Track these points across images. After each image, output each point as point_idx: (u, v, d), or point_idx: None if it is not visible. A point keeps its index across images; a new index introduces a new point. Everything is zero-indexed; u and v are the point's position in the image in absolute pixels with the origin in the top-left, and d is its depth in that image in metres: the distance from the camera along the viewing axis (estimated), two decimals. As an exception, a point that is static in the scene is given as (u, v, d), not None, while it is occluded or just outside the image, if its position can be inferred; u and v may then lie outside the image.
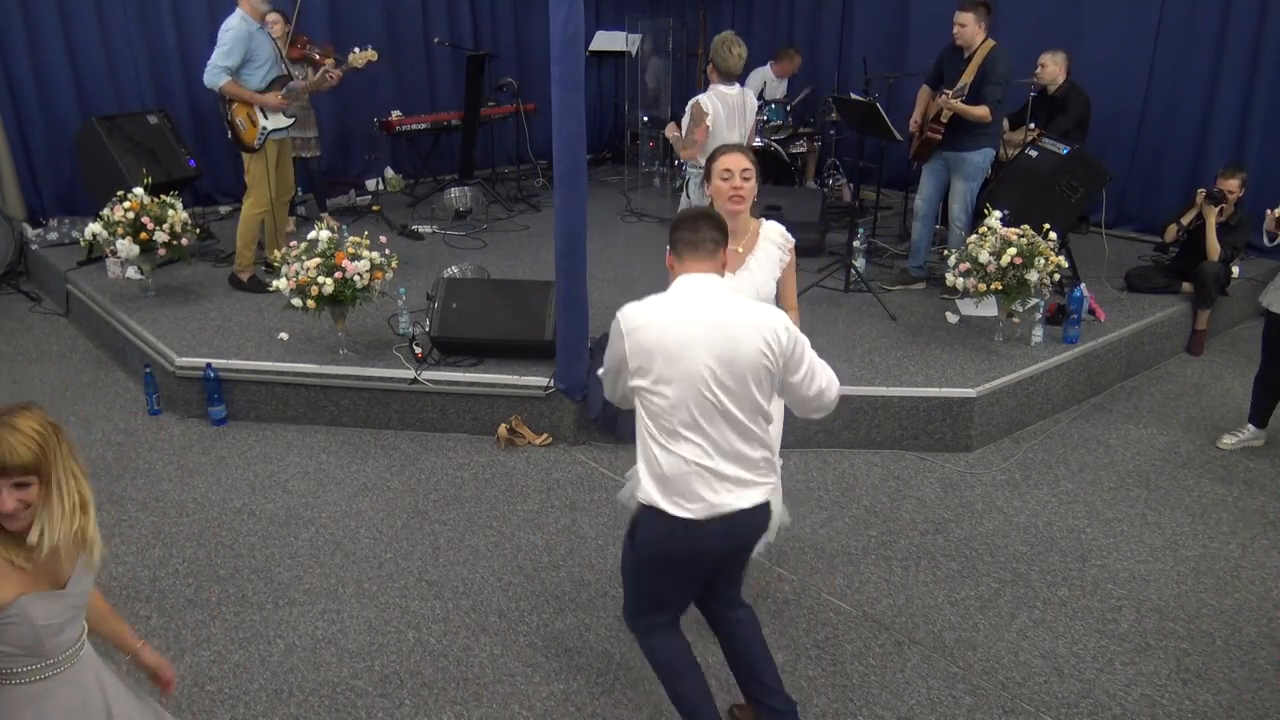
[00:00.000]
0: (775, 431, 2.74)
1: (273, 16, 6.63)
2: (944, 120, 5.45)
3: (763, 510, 2.43)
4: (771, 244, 3.06)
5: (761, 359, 2.30)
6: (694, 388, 2.29)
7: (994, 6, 5.50)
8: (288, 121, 5.59)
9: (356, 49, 5.83)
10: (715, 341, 2.29)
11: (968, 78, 5.34)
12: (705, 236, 2.42)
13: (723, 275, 2.47)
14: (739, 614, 2.67)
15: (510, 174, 8.60)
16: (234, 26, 5.28)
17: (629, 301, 2.39)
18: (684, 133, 4.90)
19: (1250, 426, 4.58)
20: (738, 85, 4.91)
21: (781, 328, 2.33)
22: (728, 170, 2.96)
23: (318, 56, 6.41)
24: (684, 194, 5.12)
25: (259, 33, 5.40)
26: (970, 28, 5.36)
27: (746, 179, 2.96)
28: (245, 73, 5.39)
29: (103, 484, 4.12)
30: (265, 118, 5.46)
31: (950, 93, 5.35)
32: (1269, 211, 4.56)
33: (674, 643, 2.61)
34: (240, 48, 5.29)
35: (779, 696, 2.64)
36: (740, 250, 3.01)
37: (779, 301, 3.06)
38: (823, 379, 2.46)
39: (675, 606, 2.61)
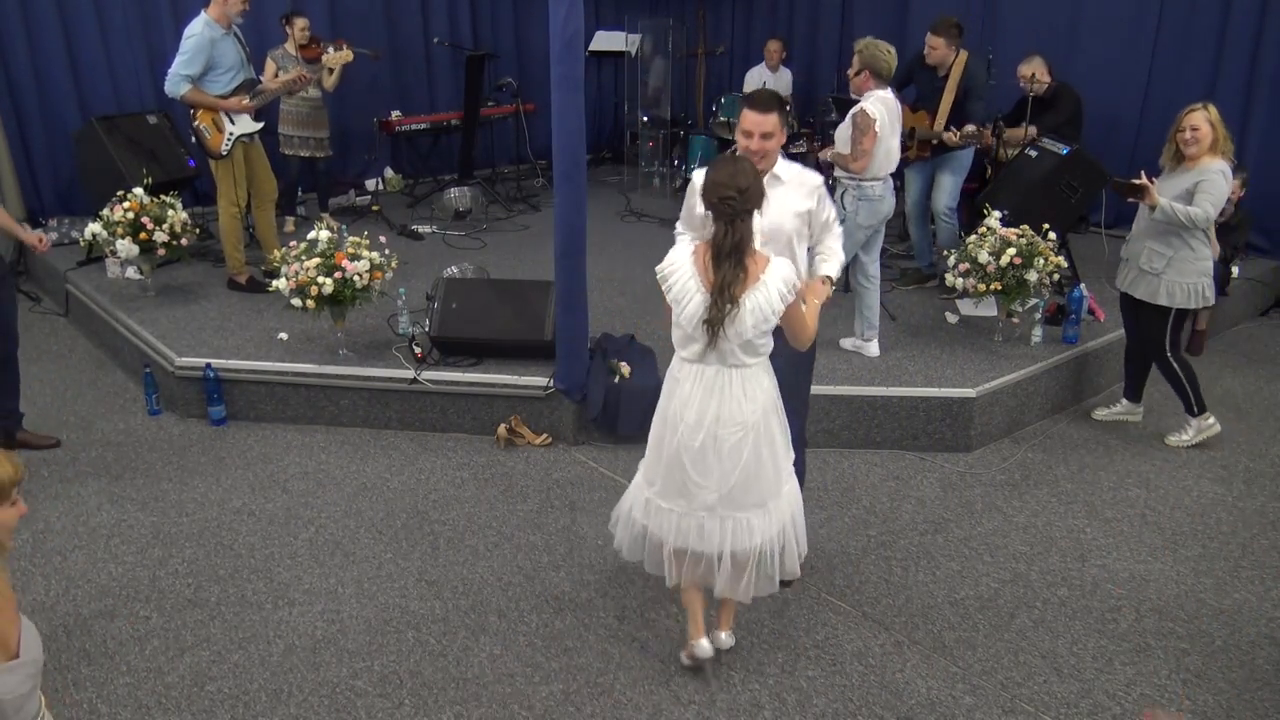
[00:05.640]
0: None
1: (301, 22, 6.65)
2: (935, 142, 5.54)
3: None
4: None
5: None
6: None
7: (965, 27, 5.70)
8: (257, 125, 5.51)
9: (331, 49, 5.79)
10: None
11: (949, 97, 5.48)
12: None
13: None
14: None
15: (510, 174, 8.60)
16: (196, 33, 5.14)
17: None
18: (851, 145, 4.58)
19: (1123, 401, 4.87)
20: (889, 88, 4.68)
21: None
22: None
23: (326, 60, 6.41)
24: (840, 207, 4.51)
25: (223, 39, 5.24)
26: (941, 50, 5.55)
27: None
28: (209, 79, 5.27)
29: (103, 484, 4.12)
30: (232, 123, 5.37)
31: (957, 133, 5.41)
32: (1142, 173, 4.34)
33: None
34: (202, 55, 5.16)
35: None
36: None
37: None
38: None
39: None
